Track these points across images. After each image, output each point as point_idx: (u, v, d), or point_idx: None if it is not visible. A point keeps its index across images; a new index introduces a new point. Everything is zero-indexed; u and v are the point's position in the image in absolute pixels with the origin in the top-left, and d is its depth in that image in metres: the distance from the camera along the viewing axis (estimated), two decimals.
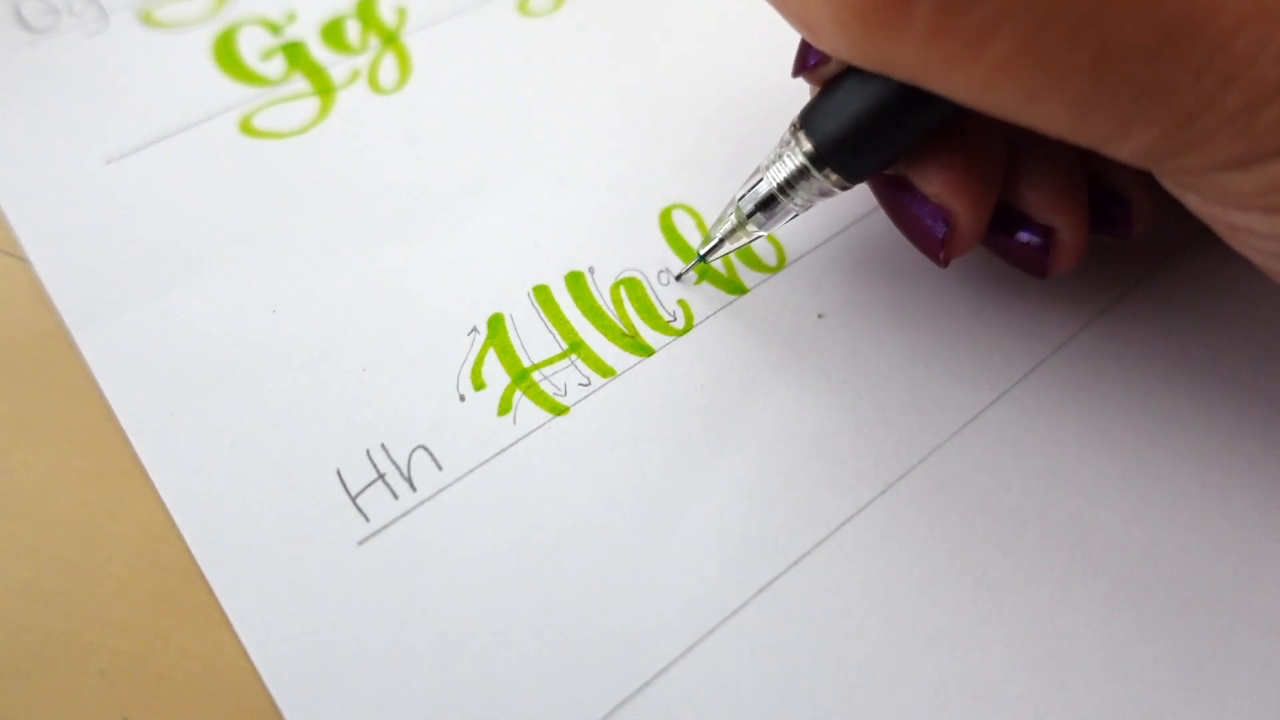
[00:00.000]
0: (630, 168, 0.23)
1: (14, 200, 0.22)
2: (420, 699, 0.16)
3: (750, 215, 0.19)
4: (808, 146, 0.18)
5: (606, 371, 0.20)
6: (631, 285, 0.21)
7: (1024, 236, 0.19)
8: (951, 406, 0.20)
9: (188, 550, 0.18)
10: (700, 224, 0.22)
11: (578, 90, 0.25)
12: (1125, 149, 0.15)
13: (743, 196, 0.20)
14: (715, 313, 0.21)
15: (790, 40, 0.18)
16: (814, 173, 0.18)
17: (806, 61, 0.18)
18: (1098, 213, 0.20)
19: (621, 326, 0.21)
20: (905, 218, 0.19)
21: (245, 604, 0.17)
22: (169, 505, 0.18)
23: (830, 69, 0.18)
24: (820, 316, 0.21)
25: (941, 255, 0.19)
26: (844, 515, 0.19)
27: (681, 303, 0.21)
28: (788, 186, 0.19)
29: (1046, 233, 0.19)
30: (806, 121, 0.18)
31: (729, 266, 0.22)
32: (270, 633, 0.17)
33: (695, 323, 0.21)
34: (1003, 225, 0.19)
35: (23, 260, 0.21)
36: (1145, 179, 0.19)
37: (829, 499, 0.19)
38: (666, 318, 0.21)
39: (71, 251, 0.21)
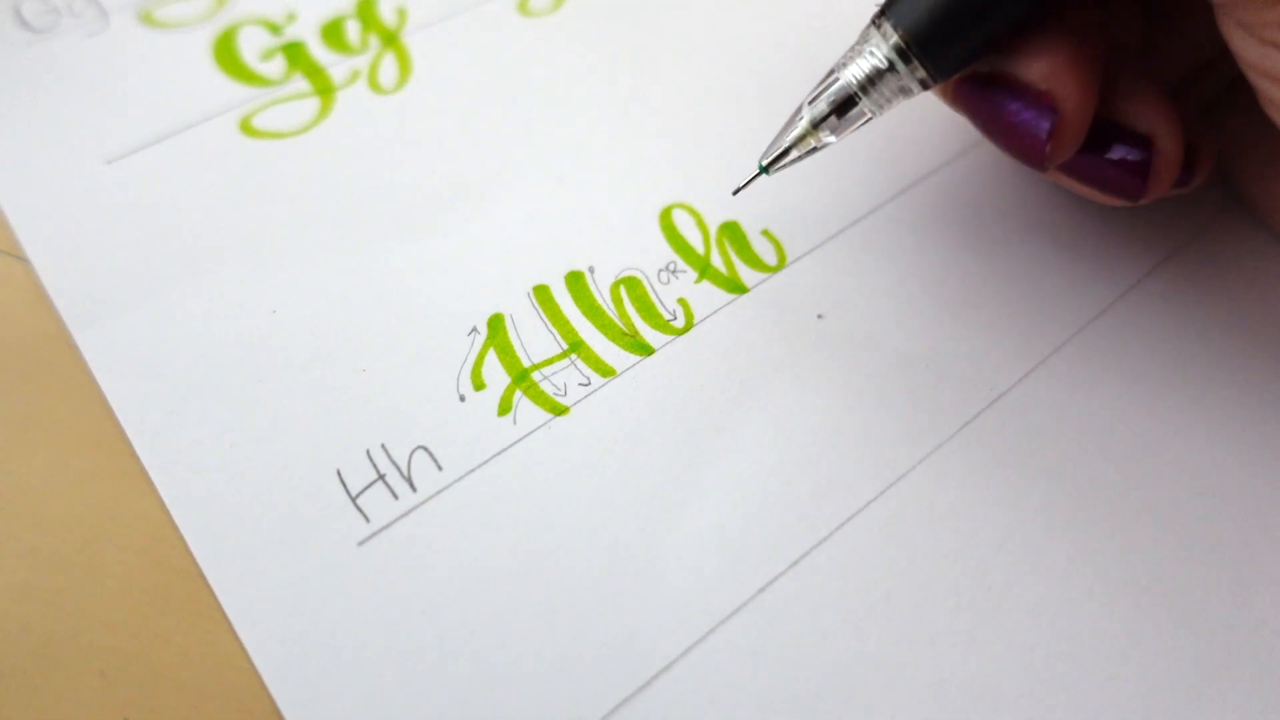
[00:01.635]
0: (630, 168, 0.23)
1: (14, 200, 0.22)
2: (420, 699, 0.16)
3: (823, 119, 0.18)
4: (894, 38, 0.17)
5: (607, 371, 0.20)
6: (631, 285, 0.21)
7: (1121, 151, 0.18)
8: (951, 406, 0.20)
9: (188, 550, 0.18)
10: (700, 223, 0.22)
11: (577, 90, 0.25)
12: None
13: (814, 99, 0.18)
14: (715, 312, 0.21)
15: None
16: (899, 67, 0.17)
17: None
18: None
19: (621, 326, 0.21)
20: (1003, 117, 0.18)
21: (245, 604, 0.17)
22: (169, 505, 0.18)
23: None
24: (820, 316, 0.21)
25: (1048, 150, 0.17)
26: (844, 515, 0.19)
27: (681, 302, 0.21)
28: (868, 85, 0.17)
29: (1145, 144, 0.18)
30: (891, 8, 0.17)
31: (729, 266, 0.22)
32: (270, 633, 0.17)
33: (695, 322, 0.21)
34: (1098, 143, 0.18)
35: (23, 260, 0.21)
36: (1207, 129, 0.19)
37: (829, 499, 0.19)
38: (667, 317, 0.21)
39: (71, 251, 0.21)
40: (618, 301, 0.21)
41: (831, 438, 0.20)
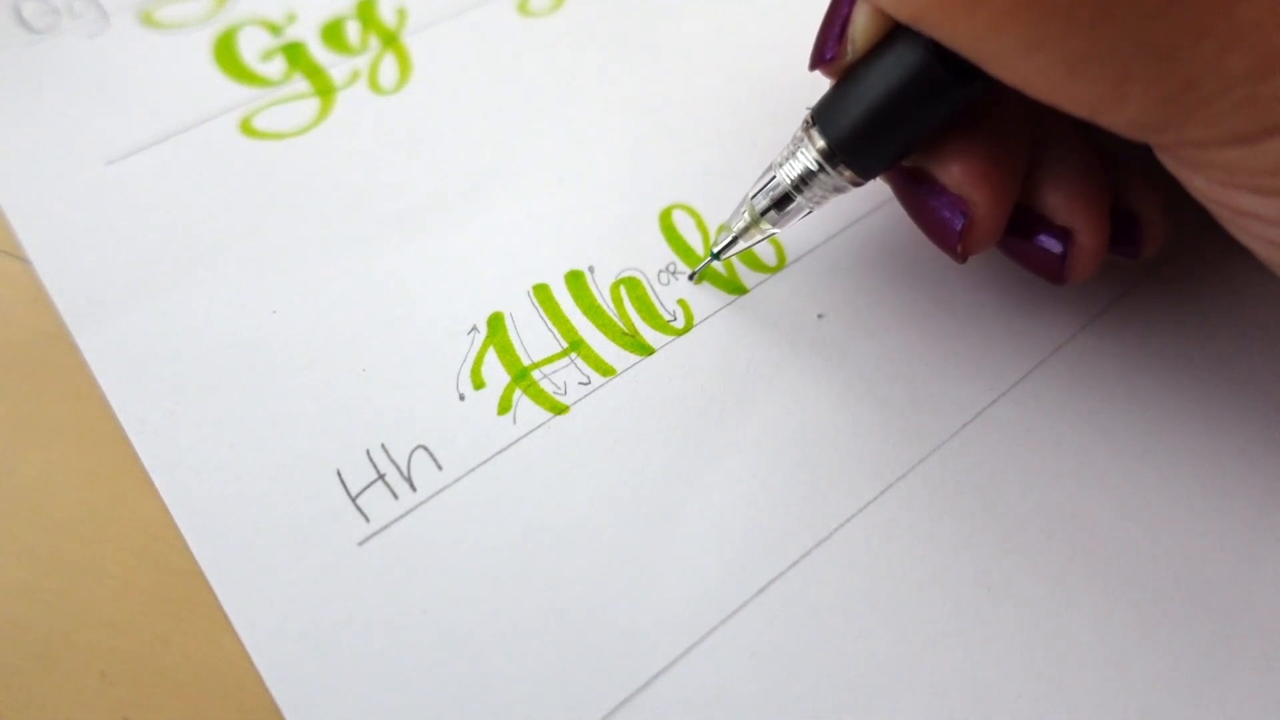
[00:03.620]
0: (630, 168, 0.23)
1: (15, 201, 0.22)
2: (420, 699, 0.16)
3: (764, 213, 0.19)
4: (821, 144, 0.18)
5: (607, 370, 0.20)
6: (631, 284, 0.21)
7: (1043, 240, 0.19)
8: (951, 406, 0.20)
9: (188, 550, 0.18)
10: (700, 223, 0.22)
11: (577, 90, 0.25)
12: (1123, 116, 0.14)
13: (755, 195, 0.19)
14: (715, 312, 0.21)
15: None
16: (828, 170, 0.18)
17: (823, 55, 0.18)
18: (1112, 230, 0.19)
19: (621, 325, 0.21)
20: (922, 211, 0.19)
21: (245, 604, 0.17)
22: (169, 505, 0.18)
23: (846, 60, 0.17)
24: (820, 316, 0.21)
25: (959, 249, 0.18)
26: (844, 515, 0.19)
27: (682, 302, 0.21)
28: (801, 184, 0.19)
29: (1065, 236, 0.19)
30: (819, 118, 0.18)
31: (729, 266, 0.22)
32: (270, 633, 0.17)
33: (695, 322, 0.21)
34: (1021, 229, 0.19)
35: (23, 261, 0.21)
36: (1160, 200, 0.19)
37: (829, 499, 0.19)
38: (667, 317, 0.21)
39: (72, 252, 0.21)
40: (618, 301, 0.21)
41: (831, 438, 0.20)
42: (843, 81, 0.18)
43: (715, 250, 0.21)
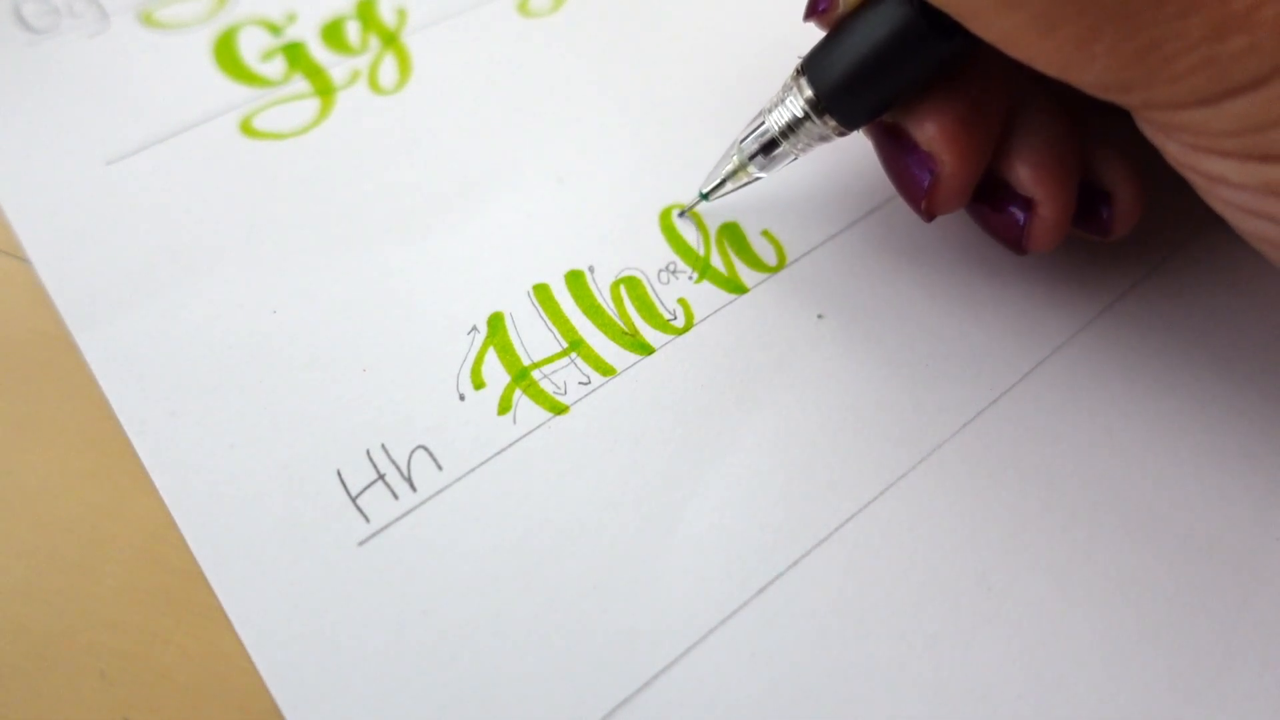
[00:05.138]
0: (630, 168, 0.23)
1: (15, 201, 0.22)
2: (420, 699, 0.16)
3: (751, 158, 0.20)
4: (809, 93, 0.18)
5: (607, 370, 0.20)
6: (632, 284, 0.21)
7: (1008, 208, 0.19)
8: (951, 406, 0.20)
9: (188, 550, 0.18)
10: (700, 223, 0.22)
11: (577, 90, 0.25)
12: (1090, 74, 0.15)
13: (745, 139, 0.20)
14: (715, 312, 0.21)
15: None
16: (813, 118, 0.19)
17: (817, 6, 0.18)
18: (1083, 208, 0.20)
19: (621, 325, 0.21)
20: (895, 166, 0.19)
21: (245, 604, 0.17)
22: (169, 505, 0.18)
23: (838, 12, 0.18)
24: (820, 316, 0.21)
25: (924, 205, 0.19)
26: (844, 515, 0.19)
27: (682, 302, 0.21)
28: (788, 131, 0.19)
29: (1028, 205, 0.19)
30: (808, 67, 0.19)
31: (729, 266, 0.22)
32: (270, 633, 0.17)
33: (695, 322, 0.21)
34: (989, 196, 0.20)
35: (23, 261, 0.21)
36: (1135, 180, 0.20)
37: (829, 499, 0.19)
38: (667, 316, 0.21)
39: (72, 252, 0.21)
40: (618, 301, 0.21)
41: (831, 438, 0.20)
42: (833, 34, 0.18)
43: (703, 191, 0.22)
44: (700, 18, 0.27)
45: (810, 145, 0.20)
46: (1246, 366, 0.21)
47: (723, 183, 0.21)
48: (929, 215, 0.19)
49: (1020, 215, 0.19)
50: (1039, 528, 0.19)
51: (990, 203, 0.20)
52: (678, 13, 0.27)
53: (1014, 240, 0.20)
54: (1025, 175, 0.19)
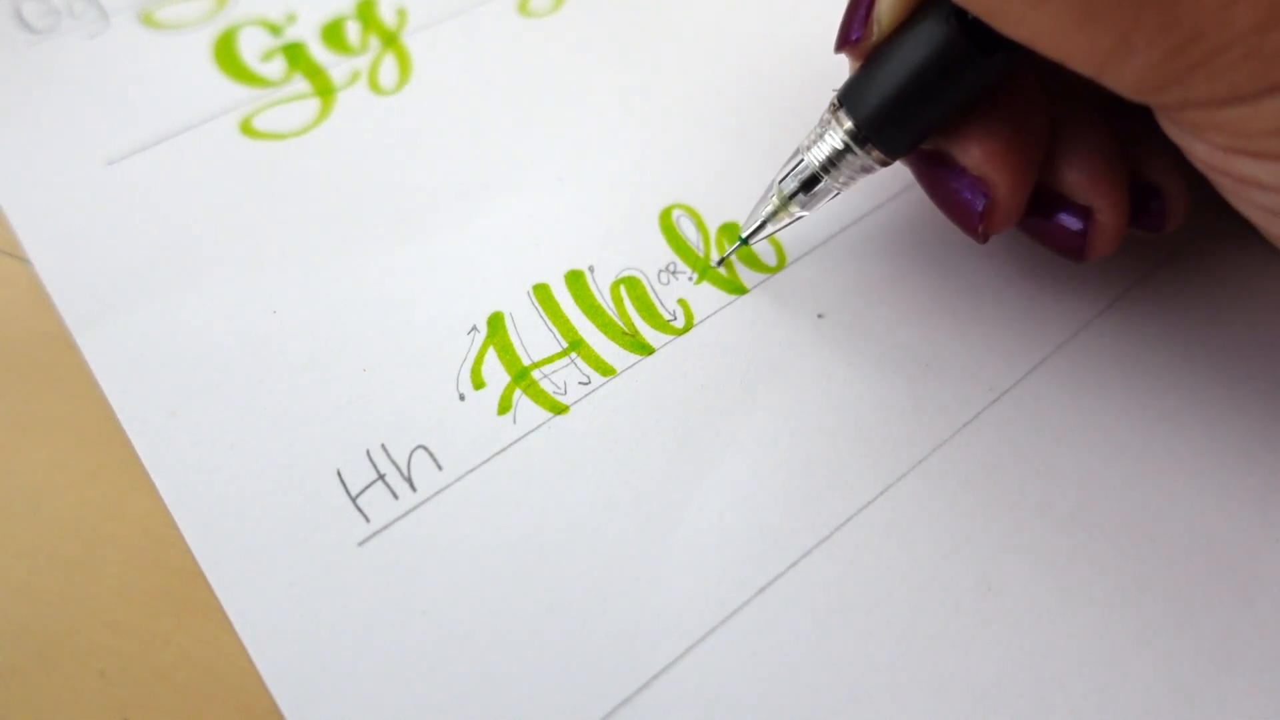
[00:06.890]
0: (630, 168, 0.23)
1: (15, 201, 0.22)
2: (420, 699, 0.16)
3: (792, 196, 0.20)
4: (848, 124, 0.18)
5: (607, 370, 0.20)
6: (632, 284, 0.21)
7: (1063, 218, 0.19)
8: (951, 406, 0.20)
9: (188, 550, 0.18)
10: (700, 223, 0.22)
11: (578, 90, 0.25)
12: (1129, 70, 0.14)
13: (784, 178, 0.20)
14: (715, 312, 0.21)
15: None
16: (855, 150, 0.18)
17: (849, 36, 0.18)
18: (1134, 206, 0.19)
19: (621, 325, 0.21)
20: (944, 192, 0.19)
21: (245, 604, 0.17)
22: (169, 505, 0.18)
23: (872, 40, 0.18)
24: (820, 316, 0.21)
25: (980, 229, 0.19)
26: (844, 515, 0.19)
27: (682, 302, 0.21)
28: (829, 165, 0.19)
29: (1085, 214, 0.19)
30: (846, 99, 0.18)
31: (729, 266, 0.22)
32: (270, 633, 0.17)
33: (695, 322, 0.21)
34: (1042, 208, 0.19)
35: (24, 261, 0.21)
36: (1181, 173, 0.19)
37: (829, 499, 0.19)
38: (667, 317, 0.21)
39: (72, 252, 0.21)
40: (618, 301, 0.21)
41: (831, 438, 0.20)
42: (868, 63, 0.18)
43: (744, 235, 0.21)
44: (700, 17, 0.27)
45: (853, 179, 0.19)
46: (1246, 366, 0.21)
47: (763, 224, 0.21)
48: (985, 238, 0.19)
49: (1075, 224, 0.19)
50: (1039, 528, 0.19)
51: (1043, 215, 0.19)
52: (677, 13, 0.27)
53: (1074, 249, 0.19)
54: (1079, 184, 0.19)
